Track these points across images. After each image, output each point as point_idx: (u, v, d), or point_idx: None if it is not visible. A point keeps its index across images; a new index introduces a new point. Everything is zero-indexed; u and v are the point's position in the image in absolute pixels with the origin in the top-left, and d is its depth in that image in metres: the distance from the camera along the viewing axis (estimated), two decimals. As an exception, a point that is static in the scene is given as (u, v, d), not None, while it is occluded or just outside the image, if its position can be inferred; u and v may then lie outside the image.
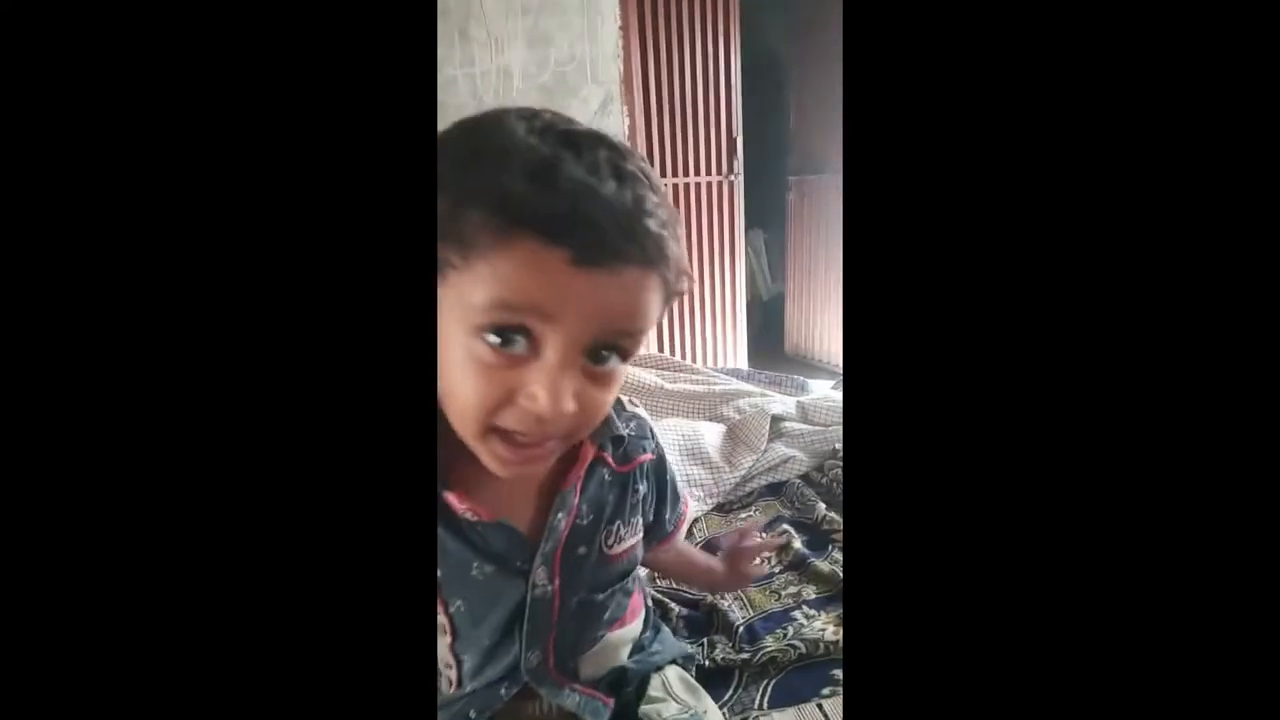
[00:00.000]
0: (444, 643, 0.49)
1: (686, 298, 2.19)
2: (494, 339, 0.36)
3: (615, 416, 0.51)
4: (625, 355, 0.39)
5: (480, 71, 1.71)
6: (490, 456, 0.40)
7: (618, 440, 0.52)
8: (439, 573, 0.47)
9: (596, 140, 0.36)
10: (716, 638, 0.70)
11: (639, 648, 0.60)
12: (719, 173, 2.16)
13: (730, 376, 1.38)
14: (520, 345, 0.36)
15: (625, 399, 0.55)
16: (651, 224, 0.36)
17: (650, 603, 0.67)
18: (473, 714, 0.50)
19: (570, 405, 0.37)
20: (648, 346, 2.03)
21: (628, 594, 0.56)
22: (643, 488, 0.54)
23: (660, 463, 0.58)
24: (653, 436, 0.56)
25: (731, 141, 2.14)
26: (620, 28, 1.81)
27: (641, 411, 0.56)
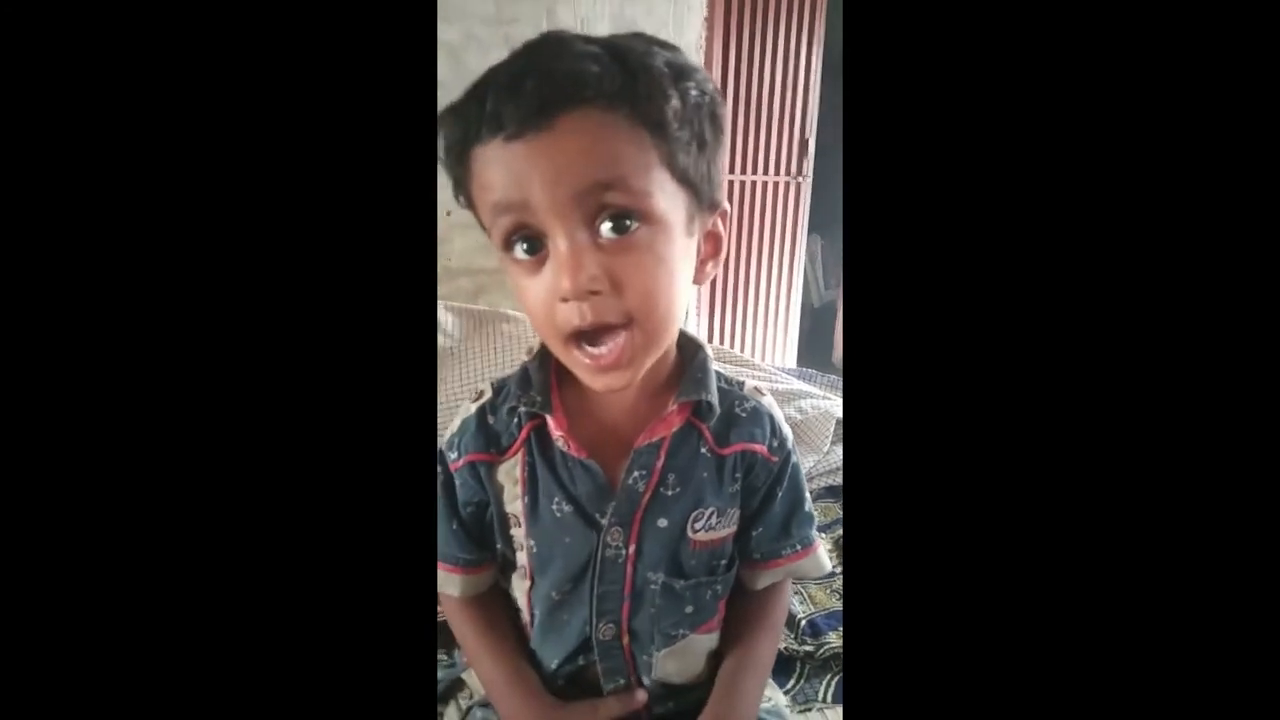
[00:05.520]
0: (523, 587, 0.50)
1: (740, 295, 2.18)
2: (519, 251, 0.39)
3: (712, 382, 0.48)
4: (644, 216, 0.38)
5: (564, 53, 1.72)
6: (577, 366, 0.41)
7: (706, 408, 0.47)
8: (523, 501, 0.47)
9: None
10: (778, 628, 0.71)
11: None
12: (787, 173, 2.14)
13: (792, 376, 1.38)
14: (539, 247, 0.38)
15: (751, 384, 0.52)
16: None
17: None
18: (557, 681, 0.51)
19: (590, 281, 0.37)
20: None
21: (718, 597, 0.52)
22: (740, 477, 0.49)
23: (781, 469, 0.51)
24: (775, 434, 0.51)
25: (803, 143, 2.12)
26: (705, 19, 1.81)
27: (768, 404, 0.52)
